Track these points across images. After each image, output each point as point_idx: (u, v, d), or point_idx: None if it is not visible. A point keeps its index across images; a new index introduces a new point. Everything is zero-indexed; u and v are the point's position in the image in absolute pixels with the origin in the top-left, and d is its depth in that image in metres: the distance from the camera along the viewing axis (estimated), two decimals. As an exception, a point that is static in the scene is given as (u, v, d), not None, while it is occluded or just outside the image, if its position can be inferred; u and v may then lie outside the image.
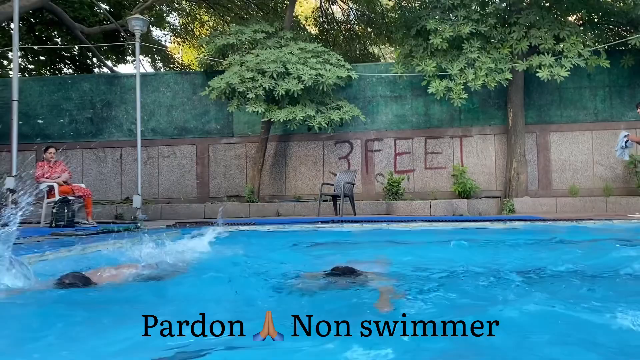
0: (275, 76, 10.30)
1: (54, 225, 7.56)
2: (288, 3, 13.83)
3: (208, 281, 3.41)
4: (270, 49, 11.08)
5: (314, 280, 3.50)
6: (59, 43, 17.72)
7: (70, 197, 7.95)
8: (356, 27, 15.93)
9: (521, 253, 4.86)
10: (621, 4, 11.29)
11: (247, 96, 10.35)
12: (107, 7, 17.59)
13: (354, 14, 15.78)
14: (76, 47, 16.76)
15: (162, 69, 20.36)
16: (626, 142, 9.24)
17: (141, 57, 19.36)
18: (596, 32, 11.66)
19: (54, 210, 7.62)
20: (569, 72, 10.13)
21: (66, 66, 19.12)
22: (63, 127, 13.11)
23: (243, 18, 16.06)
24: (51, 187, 8.23)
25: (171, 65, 20.44)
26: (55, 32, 17.82)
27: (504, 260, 4.24)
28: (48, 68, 18.49)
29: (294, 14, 14.05)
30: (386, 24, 14.08)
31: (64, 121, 13.13)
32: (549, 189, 11.82)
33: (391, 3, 13.04)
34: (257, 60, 10.57)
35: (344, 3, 15.42)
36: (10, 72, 17.40)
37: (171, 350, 2.00)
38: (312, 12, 16.92)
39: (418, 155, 12.22)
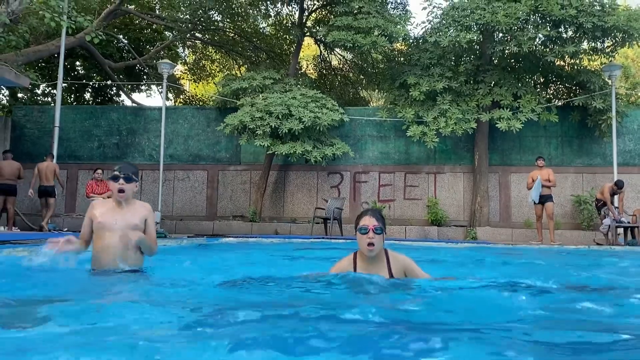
0: (280, 117, 12.37)
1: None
2: (293, 51, 16.06)
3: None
4: (276, 93, 13.19)
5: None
6: (84, 74, 19.81)
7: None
8: (350, 74, 18.20)
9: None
10: (569, 69, 13.56)
11: (256, 132, 12.39)
12: (126, 42, 19.70)
13: (348, 63, 18.05)
14: (105, 81, 18.78)
15: (172, 99, 22.44)
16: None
17: (155, 87, 21.53)
18: (550, 91, 13.91)
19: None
20: (524, 124, 12.32)
21: (87, 93, 21.15)
22: (92, 150, 15.07)
23: (252, 61, 18.26)
24: (98, 201, 10.15)
25: (182, 97, 22.54)
26: (78, 63, 19.92)
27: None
28: (72, 95, 20.51)
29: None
30: (376, 74, 16.31)
31: (93, 145, 15.10)
32: (508, 221, 13.85)
33: (380, 57, 15.25)
34: (265, 103, 12.67)
35: (340, 54, 17.68)
36: (40, 99, 19.42)
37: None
38: (313, 58, 19.15)
39: (398, 187, 14.25)
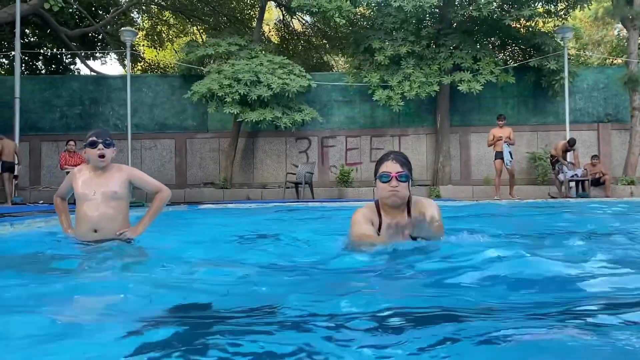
0: (248, 83, 12.47)
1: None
2: (256, 17, 15.98)
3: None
4: (243, 59, 13.22)
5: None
6: (35, 42, 19.08)
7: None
8: (313, 39, 18.28)
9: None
10: (524, 32, 14.14)
11: (225, 100, 12.47)
12: (81, 8, 19.01)
13: (311, 27, 18.10)
14: (61, 50, 18.17)
15: (130, 66, 21.89)
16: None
17: (113, 55, 21.00)
18: (507, 53, 14.49)
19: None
20: (484, 86, 12.85)
21: (39, 62, 20.39)
22: (54, 121, 14.77)
23: (212, 26, 18.04)
24: (72, 173, 10.15)
25: (140, 64, 22.06)
26: (28, 31, 19.12)
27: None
28: (22, 65, 19.73)
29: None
30: (339, 38, 16.47)
31: (55, 116, 14.79)
32: (469, 179, 14.56)
33: (343, 20, 15.38)
34: (232, 70, 12.71)
35: (302, 18, 17.70)
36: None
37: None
38: (275, 24, 19.07)
39: (365, 151, 14.70)
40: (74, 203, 3.70)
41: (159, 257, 3.19)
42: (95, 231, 3.51)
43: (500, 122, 11.93)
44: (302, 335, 1.60)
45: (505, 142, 11.71)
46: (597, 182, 12.49)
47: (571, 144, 12.10)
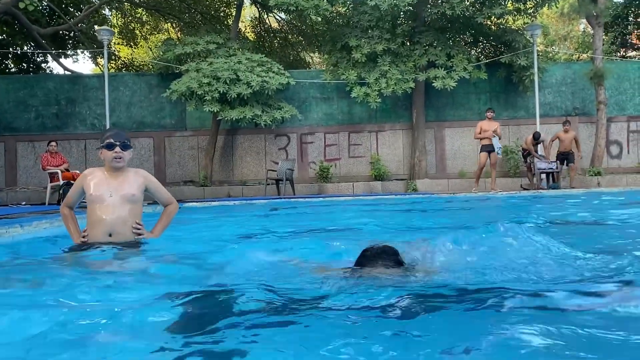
0: (228, 82, 12.58)
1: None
2: (231, 15, 16.03)
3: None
4: (221, 57, 13.31)
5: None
6: (5, 41, 18.72)
7: (72, 182, 9.90)
8: (289, 36, 18.43)
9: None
10: (495, 29, 14.59)
11: (205, 98, 12.56)
12: (53, 6, 18.74)
13: (287, 24, 18.23)
14: (35, 48, 17.89)
15: (107, 65, 21.62)
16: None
17: (87, 53, 20.76)
18: (478, 49, 14.92)
19: (61, 191, 9.57)
20: (457, 82, 13.23)
21: (8, 61, 20.01)
22: (30, 121, 14.61)
23: (187, 23, 18.02)
24: (54, 173, 10.14)
25: (114, 63, 21.83)
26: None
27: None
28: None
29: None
30: (315, 35, 16.67)
31: (30, 116, 14.63)
32: (444, 172, 14.98)
33: (320, 18, 15.56)
34: (211, 68, 12.79)
35: (278, 16, 17.82)
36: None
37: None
38: (251, 21, 19.13)
39: (343, 147, 14.97)
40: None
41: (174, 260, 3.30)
42: (110, 235, 3.44)
43: (490, 115, 12.32)
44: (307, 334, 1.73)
45: (494, 135, 12.14)
46: (569, 157, 12.82)
47: (535, 137, 12.55)
